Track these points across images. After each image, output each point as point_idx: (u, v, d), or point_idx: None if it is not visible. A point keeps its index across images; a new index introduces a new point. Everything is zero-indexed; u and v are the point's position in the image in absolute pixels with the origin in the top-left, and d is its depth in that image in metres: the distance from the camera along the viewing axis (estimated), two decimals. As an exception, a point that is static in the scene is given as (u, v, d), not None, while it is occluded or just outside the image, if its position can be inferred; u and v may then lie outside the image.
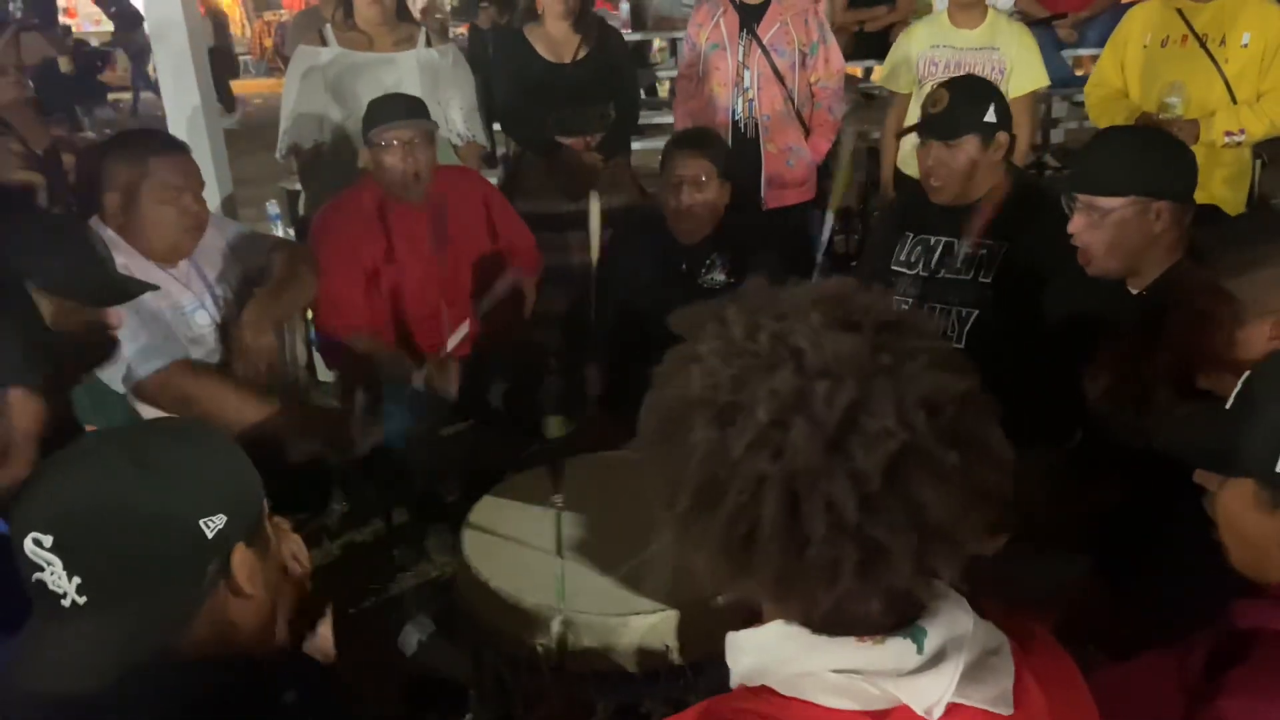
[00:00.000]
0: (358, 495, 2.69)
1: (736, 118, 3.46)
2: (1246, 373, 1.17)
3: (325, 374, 3.02)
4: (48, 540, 0.89)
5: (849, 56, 5.66)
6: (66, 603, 0.90)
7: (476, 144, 3.35)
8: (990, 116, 2.31)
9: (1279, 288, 1.44)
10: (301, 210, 3.59)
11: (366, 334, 2.64)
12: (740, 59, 3.43)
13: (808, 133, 3.53)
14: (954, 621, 0.83)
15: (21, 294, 1.40)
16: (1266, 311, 1.44)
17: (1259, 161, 3.27)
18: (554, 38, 3.38)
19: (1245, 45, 3.03)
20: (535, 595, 1.70)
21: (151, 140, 2.24)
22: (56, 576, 0.90)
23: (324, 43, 3.17)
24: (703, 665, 1.65)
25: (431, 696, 2.02)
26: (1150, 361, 1.58)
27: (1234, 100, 3.05)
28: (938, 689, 0.80)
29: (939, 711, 0.79)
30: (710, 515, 0.77)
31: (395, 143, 2.60)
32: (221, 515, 0.95)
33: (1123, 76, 3.28)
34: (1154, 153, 1.92)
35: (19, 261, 1.57)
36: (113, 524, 0.90)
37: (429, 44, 3.23)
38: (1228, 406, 1.16)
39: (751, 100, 3.45)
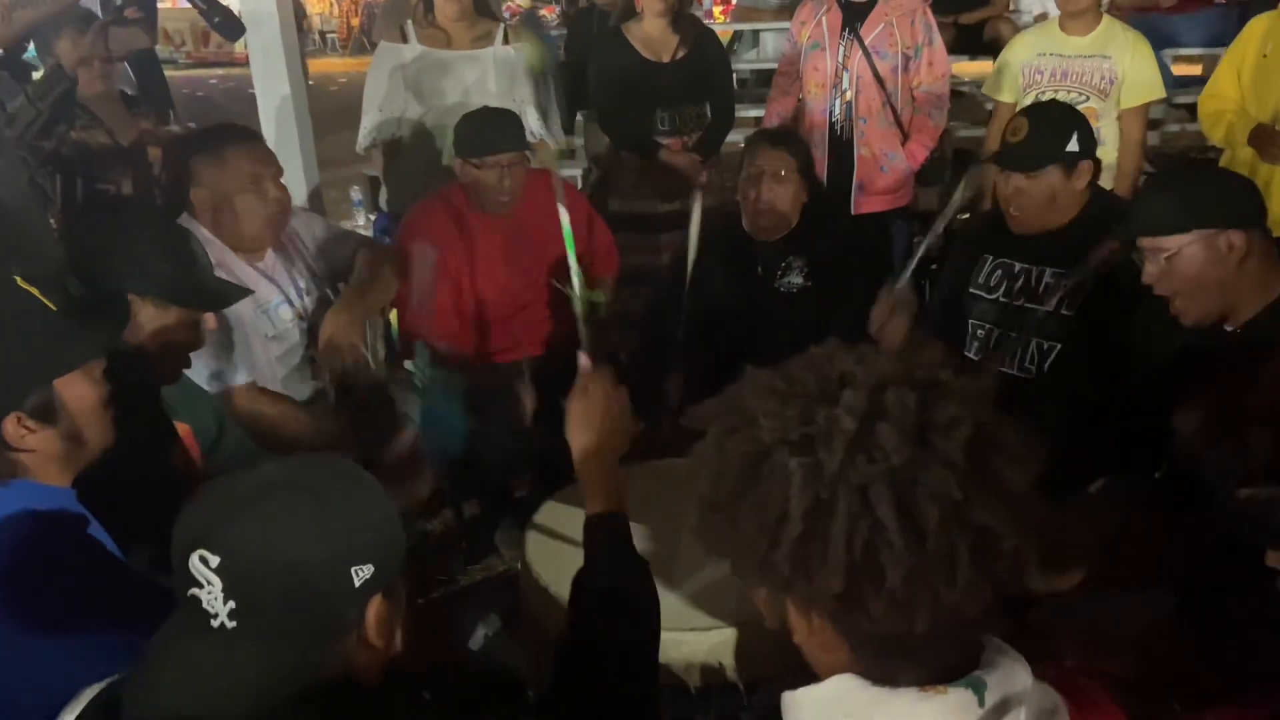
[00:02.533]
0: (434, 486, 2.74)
1: (833, 119, 3.38)
2: None
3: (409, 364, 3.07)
4: (214, 560, 0.92)
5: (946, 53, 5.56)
6: (216, 624, 0.92)
7: (553, 143, 3.37)
8: (1073, 146, 2.21)
9: None
10: (383, 204, 3.65)
11: (446, 343, 2.68)
12: (840, 60, 3.35)
13: (905, 138, 3.42)
14: (1012, 676, 0.83)
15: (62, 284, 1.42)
16: None
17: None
18: (652, 36, 3.37)
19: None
20: None
21: (225, 133, 2.30)
22: (213, 597, 0.92)
23: (405, 39, 3.21)
24: (757, 685, 1.65)
25: (494, 692, 2.07)
26: (1246, 403, 1.51)
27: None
28: None
29: None
30: (825, 534, 0.79)
31: (493, 165, 2.62)
32: (370, 565, 0.96)
33: (1239, 88, 3.13)
34: (1206, 184, 1.84)
35: (121, 265, 1.62)
36: (279, 560, 0.92)
37: (506, 41, 3.25)
38: None
39: (849, 102, 3.36)
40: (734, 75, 3.83)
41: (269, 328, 2.32)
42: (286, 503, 0.95)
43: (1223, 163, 3.23)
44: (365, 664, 0.99)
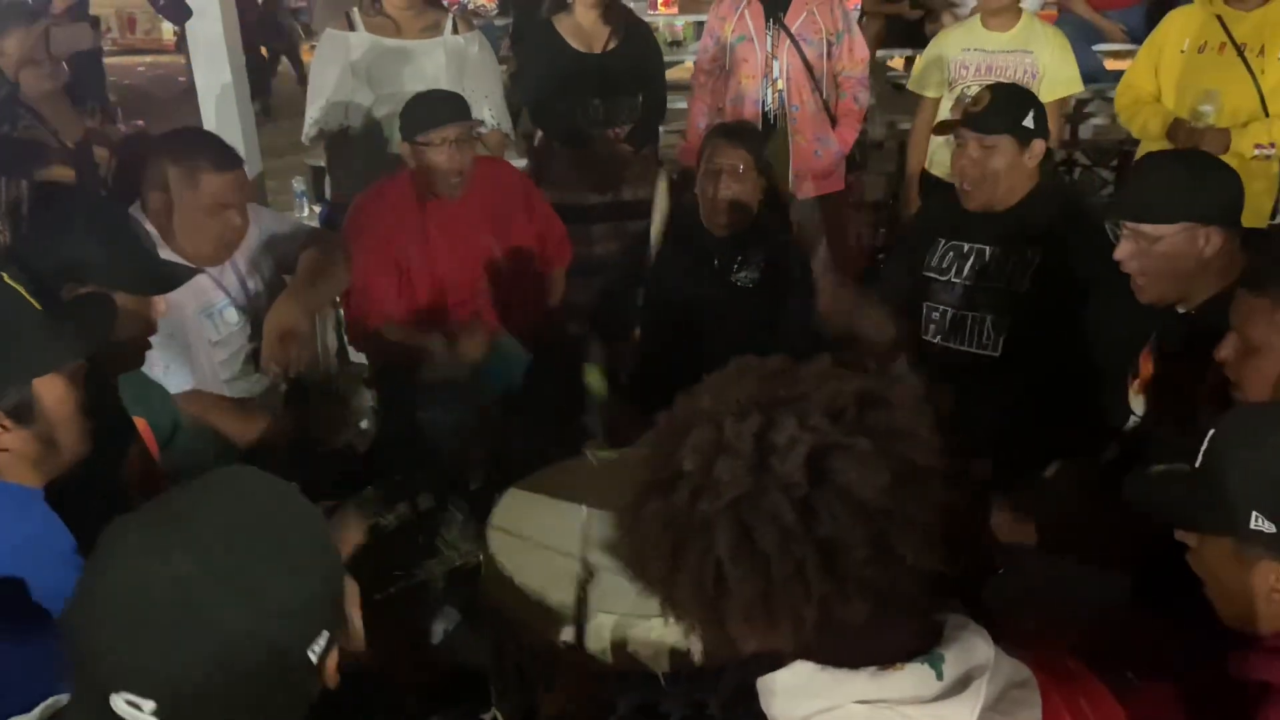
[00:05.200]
0: (385, 480, 2.72)
1: (766, 109, 3.44)
2: (1210, 432, 1.19)
3: (358, 356, 3.04)
4: (148, 705, 0.79)
5: (880, 45, 5.66)
6: None
7: (502, 132, 3.34)
8: (1028, 122, 2.31)
9: None
10: (328, 194, 3.60)
11: (397, 323, 2.66)
12: (769, 49, 3.41)
13: (834, 123, 3.50)
14: (972, 649, 0.86)
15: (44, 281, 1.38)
16: None
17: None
18: (583, 28, 3.37)
19: (1282, 58, 2.99)
20: (559, 591, 1.72)
21: (208, 149, 2.21)
22: None
23: (351, 27, 3.16)
24: (723, 668, 1.67)
25: (455, 686, 2.06)
26: (1197, 383, 1.57)
27: (1267, 113, 3.01)
28: (960, 716, 0.83)
29: None
30: (682, 574, 0.84)
31: (440, 142, 2.60)
32: (325, 633, 0.87)
33: (1156, 81, 3.24)
34: (1204, 178, 1.88)
35: (61, 251, 1.57)
36: (223, 680, 0.80)
37: (455, 30, 3.22)
38: (1197, 466, 1.18)
39: (781, 91, 3.42)
40: (665, 66, 3.82)
41: (213, 332, 2.28)
42: (221, 605, 0.81)
43: (1140, 153, 3.32)
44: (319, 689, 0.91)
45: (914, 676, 0.83)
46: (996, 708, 0.84)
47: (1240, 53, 3.04)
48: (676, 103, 4.03)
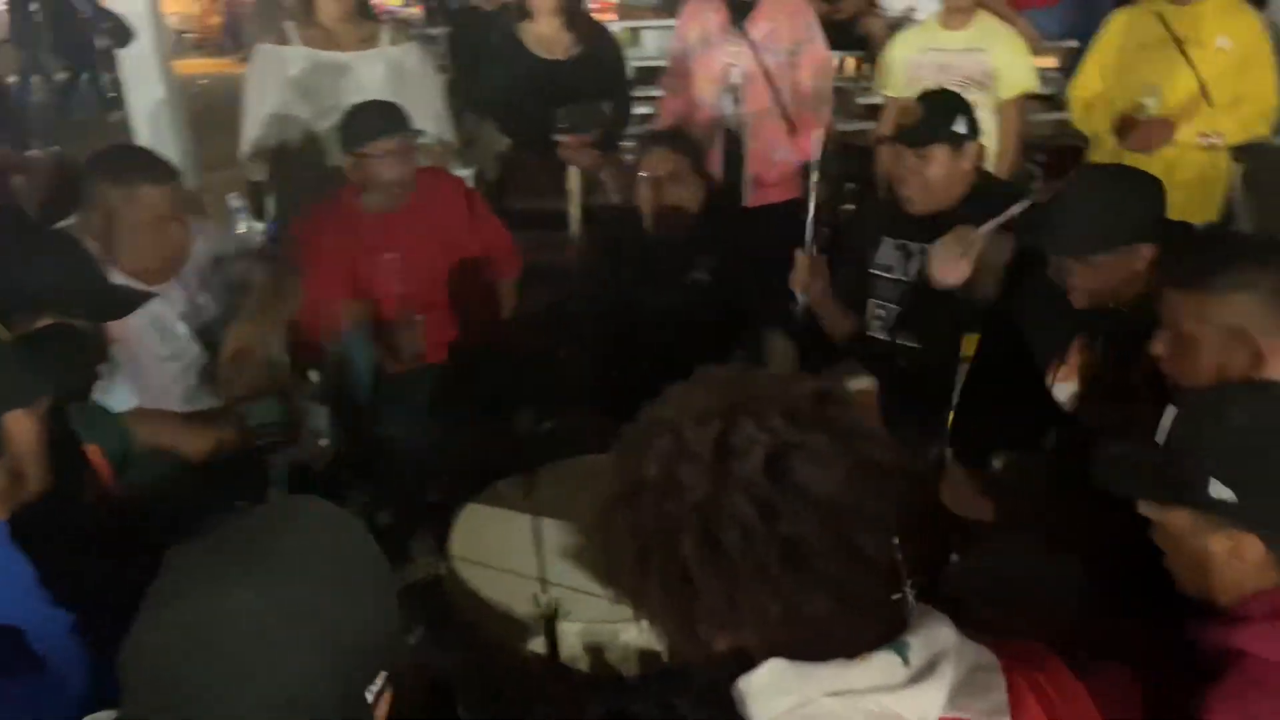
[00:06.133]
0: (342, 496, 2.69)
1: (724, 114, 3.44)
2: (1172, 410, 1.25)
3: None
4: None
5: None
6: None
7: (444, 142, 3.33)
8: (959, 127, 2.37)
9: (1263, 313, 1.48)
10: (272, 211, 3.55)
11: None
12: (730, 57, 3.41)
13: (793, 131, 3.52)
14: (936, 635, 0.89)
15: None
16: (1247, 337, 1.48)
17: (1237, 166, 3.34)
18: (546, 35, 3.36)
19: (1222, 48, 3.09)
20: (525, 603, 1.72)
21: (143, 163, 2.19)
22: None
23: (285, 41, 3.12)
24: (693, 669, 1.69)
25: (422, 699, 2.05)
26: (1130, 373, 1.63)
27: (1209, 103, 3.12)
28: (929, 699, 0.85)
29: (933, 718, 0.85)
30: (650, 579, 0.86)
31: (380, 153, 2.59)
32: (382, 673, 0.87)
33: (1102, 80, 3.35)
34: (1130, 200, 1.91)
35: (16, 280, 1.54)
36: (288, 714, 0.81)
37: (392, 42, 3.19)
38: (1159, 440, 1.23)
39: (739, 98, 3.43)
40: (629, 72, 3.83)
41: (163, 348, 2.24)
42: (289, 641, 0.81)
43: (1091, 151, 3.45)
44: None
45: (881, 665, 0.86)
46: (964, 690, 0.87)
47: (1180, 46, 3.14)
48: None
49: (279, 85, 3.08)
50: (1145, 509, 1.26)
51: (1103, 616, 1.44)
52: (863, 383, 1.80)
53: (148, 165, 2.18)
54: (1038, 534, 1.67)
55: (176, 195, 2.19)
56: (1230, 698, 1.11)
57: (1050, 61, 5.21)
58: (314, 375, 2.70)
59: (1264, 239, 1.94)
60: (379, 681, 0.87)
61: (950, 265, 2.16)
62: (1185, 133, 3.10)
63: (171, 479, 1.96)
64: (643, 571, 0.87)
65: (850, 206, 4.28)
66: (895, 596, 0.90)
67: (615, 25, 7.20)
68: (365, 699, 0.85)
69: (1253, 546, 1.16)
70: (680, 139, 2.90)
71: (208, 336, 2.29)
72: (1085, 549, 1.51)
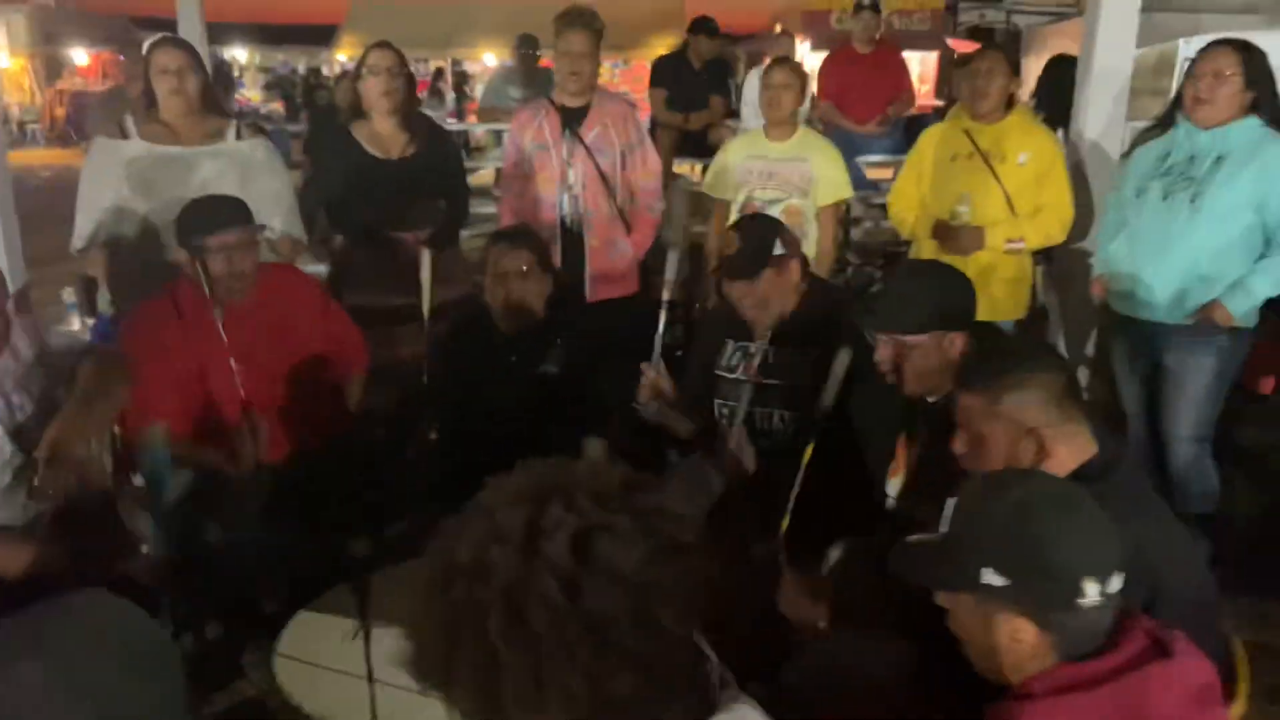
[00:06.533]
0: (173, 605, 2.53)
1: (563, 214, 3.56)
2: (950, 501, 1.33)
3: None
4: None
5: (675, 155, 5.98)
6: None
7: (293, 238, 3.28)
8: (778, 249, 2.50)
9: (1042, 409, 1.61)
10: (105, 307, 3.40)
11: (180, 438, 2.52)
12: (565, 158, 3.54)
13: (628, 229, 3.66)
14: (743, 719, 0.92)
15: None
16: (1031, 432, 1.61)
17: (1039, 268, 3.63)
18: (380, 134, 3.39)
19: (1022, 163, 3.40)
20: (350, 715, 1.67)
21: None
22: None
23: (125, 134, 3.04)
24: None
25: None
26: (948, 464, 1.72)
27: (1014, 212, 3.40)
28: None
29: None
30: (459, 663, 0.87)
31: (218, 248, 2.53)
32: None
33: (920, 189, 3.61)
34: (947, 292, 2.12)
35: None
36: None
37: (239, 136, 3.16)
38: (943, 530, 1.31)
39: (577, 197, 3.55)
40: (465, 171, 3.90)
41: None
42: (68, 712, 0.86)
43: (912, 253, 3.73)
44: None
45: None
46: None
47: (986, 160, 3.43)
48: (481, 207, 4.09)
49: (116, 178, 3.00)
50: (937, 597, 1.32)
51: (932, 702, 1.47)
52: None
53: None
54: (871, 626, 1.71)
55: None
56: None
57: (886, 174, 5.59)
58: (138, 479, 2.57)
59: (1038, 343, 2.13)
60: None
61: (747, 455, 2.34)
62: (994, 238, 3.38)
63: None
64: (451, 657, 0.88)
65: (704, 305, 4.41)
66: (701, 675, 0.91)
67: (479, 129, 7.36)
68: None
69: (1027, 629, 1.23)
70: (527, 236, 2.97)
71: (24, 442, 2.15)
72: (914, 638, 1.55)
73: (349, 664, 1.80)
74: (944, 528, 1.32)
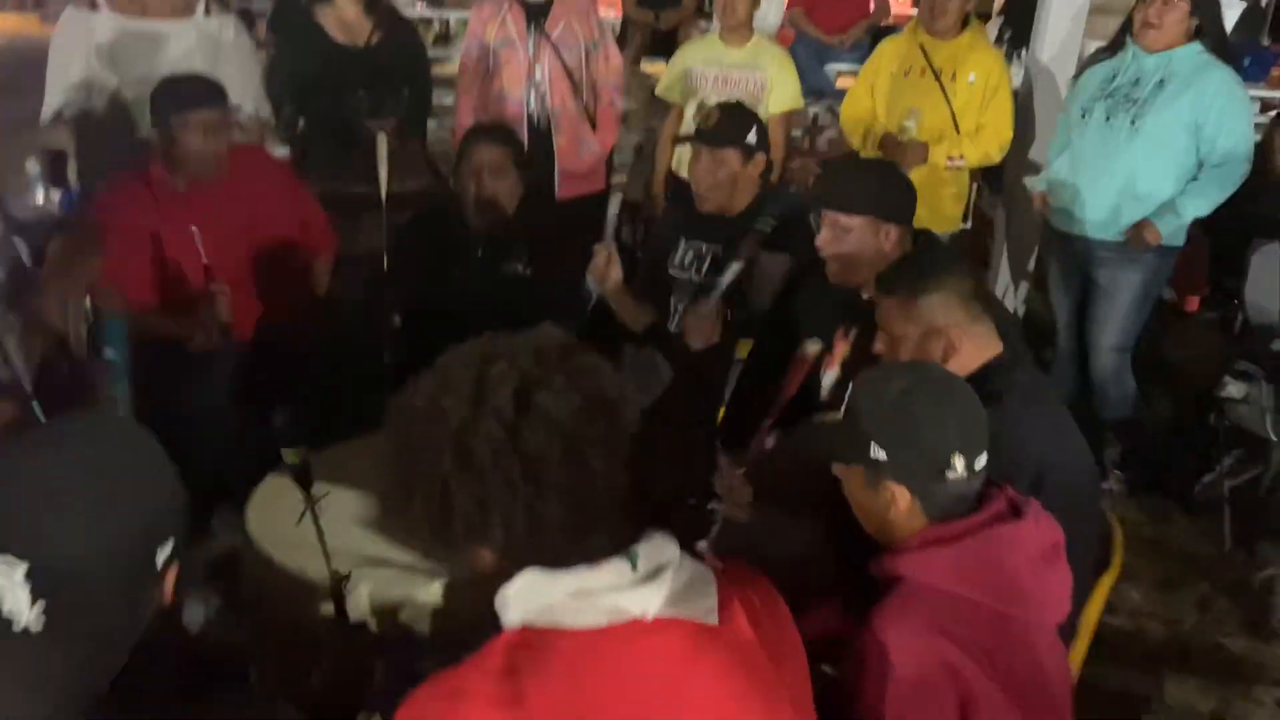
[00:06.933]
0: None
1: (530, 110, 3.58)
2: (851, 385, 1.51)
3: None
4: (20, 568, 0.88)
5: (645, 54, 5.95)
6: (18, 629, 0.89)
7: (260, 120, 3.31)
8: (750, 139, 2.61)
9: (950, 310, 1.78)
10: (72, 178, 3.42)
11: (151, 311, 2.61)
12: (531, 54, 3.55)
13: (594, 126, 3.70)
14: (662, 548, 1.08)
15: None
16: (935, 329, 1.78)
17: (975, 184, 3.76)
18: (346, 20, 3.39)
19: (971, 83, 3.48)
20: (319, 568, 1.78)
21: None
22: (17, 604, 0.88)
23: (94, 7, 3.03)
24: (478, 627, 1.80)
25: (216, 672, 2.08)
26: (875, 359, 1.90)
27: (958, 130, 3.50)
28: (653, 597, 1.04)
29: (653, 613, 1.04)
30: (414, 495, 1.03)
31: (192, 125, 2.57)
32: (170, 541, 0.99)
33: (872, 99, 3.68)
34: (887, 183, 2.27)
35: None
36: (89, 561, 0.92)
37: (208, 13, 3.15)
38: (843, 412, 1.49)
39: (544, 95, 3.58)
40: (429, 61, 3.91)
41: None
42: (88, 493, 0.93)
43: None
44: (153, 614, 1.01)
45: (613, 570, 1.04)
46: (681, 596, 1.06)
47: (937, 77, 3.52)
48: (446, 98, 4.12)
49: (85, 52, 3.00)
50: (836, 470, 1.51)
51: (836, 568, 1.66)
52: (812, 348, 2.01)
53: None
54: (789, 505, 1.89)
55: None
56: (891, 610, 1.36)
57: (850, 83, 5.64)
58: (110, 353, 2.66)
59: (949, 249, 2.28)
60: (167, 548, 0.98)
61: (703, 330, 2.49)
62: (937, 155, 3.47)
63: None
64: (409, 490, 1.04)
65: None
66: (628, 514, 1.07)
67: (451, 15, 7.23)
68: (155, 561, 0.97)
69: (903, 494, 1.42)
70: (505, 133, 2.99)
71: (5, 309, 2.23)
72: (823, 514, 1.73)
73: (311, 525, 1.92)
74: (844, 409, 1.50)
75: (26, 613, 0.89)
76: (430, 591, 1.78)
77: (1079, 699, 1.58)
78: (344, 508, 1.95)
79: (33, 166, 4.21)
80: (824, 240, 2.20)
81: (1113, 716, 2.44)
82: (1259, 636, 2.78)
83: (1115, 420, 3.31)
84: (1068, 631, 1.66)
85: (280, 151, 3.79)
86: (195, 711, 1.04)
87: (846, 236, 2.17)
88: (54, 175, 3.97)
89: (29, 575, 0.89)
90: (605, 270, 2.62)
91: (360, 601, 1.76)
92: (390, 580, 1.77)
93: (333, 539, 1.84)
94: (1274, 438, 2.87)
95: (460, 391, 1.02)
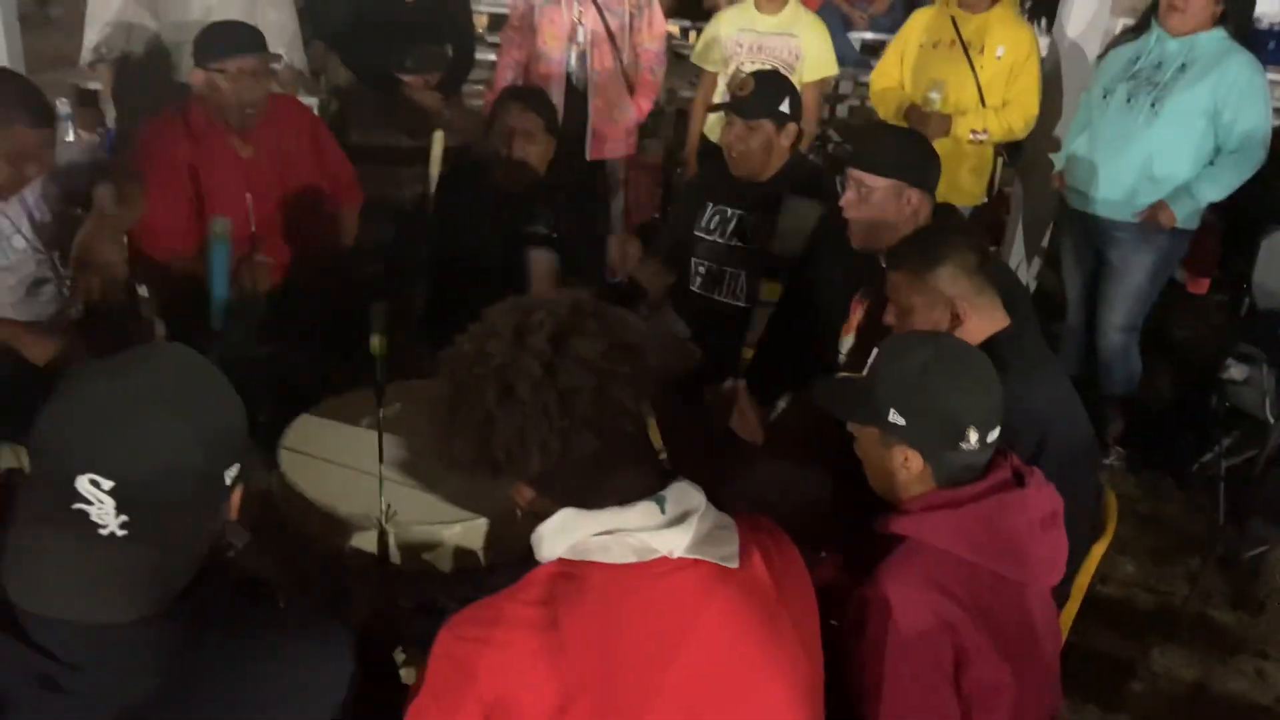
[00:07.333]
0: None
1: (570, 70, 3.62)
2: (875, 350, 1.59)
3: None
4: (107, 484, 0.97)
5: (671, 16, 5.94)
6: (105, 533, 0.98)
7: (295, 69, 3.36)
8: (784, 108, 2.65)
9: (956, 283, 1.86)
10: (111, 123, 3.48)
11: (185, 254, 2.69)
12: (575, 15, 3.58)
13: (631, 91, 3.74)
14: (688, 495, 1.18)
15: None
16: (942, 299, 1.86)
17: (1000, 159, 3.79)
18: None
19: (999, 57, 3.51)
20: (351, 504, 1.86)
21: (24, 102, 2.15)
22: (105, 513, 0.97)
23: None
24: (500, 567, 1.89)
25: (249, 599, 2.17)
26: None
27: (983, 103, 3.53)
28: (679, 538, 1.14)
29: (679, 553, 1.14)
30: (460, 424, 1.13)
31: (234, 72, 2.63)
32: (236, 465, 1.07)
33: (901, 70, 3.72)
34: (914, 149, 2.32)
35: None
36: (167, 478, 1.00)
37: None
38: (864, 374, 1.57)
39: (584, 54, 3.61)
40: (472, 18, 3.95)
41: (1, 259, 2.26)
42: (165, 415, 1.00)
43: None
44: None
45: (643, 511, 1.14)
46: (706, 541, 1.16)
47: (965, 49, 3.54)
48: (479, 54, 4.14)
49: (122, -7, 3.06)
50: (850, 427, 1.59)
51: (841, 518, 1.74)
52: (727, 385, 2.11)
53: (30, 105, 2.16)
54: (800, 456, 1.98)
55: (48, 141, 2.20)
56: (895, 566, 1.45)
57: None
58: (143, 290, 2.73)
59: (956, 224, 2.35)
60: (234, 470, 1.07)
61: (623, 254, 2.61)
62: (960, 127, 3.51)
63: (12, 380, 2.02)
64: (456, 419, 1.14)
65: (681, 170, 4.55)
66: (658, 456, 1.19)
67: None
68: (224, 479, 1.06)
69: (915, 459, 1.51)
70: (538, 98, 3.01)
71: (47, 247, 2.32)
72: (836, 466, 1.81)
73: (349, 459, 2.00)
74: (866, 372, 1.57)
75: (112, 521, 0.98)
76: (452, 532, 1.87)
77: (1068, 661, 1.67)
78: (373, 449, 2.04)
79: (63, 107, 4.28)
80: (848, 201, 2.27)
81: (1099, 679, 2.55)
82: (1245, 610, 2.88)
83: (1119, 397, 3.38)
84: (1060, 595, 1.75)
85: (309, 101, 3.85)
86: (263, 612, 1.12)
87: (870, 197, 2.23)
88: (83, 116, 4.03)
89: (113, 492, 0.97)
90: (621, 256, 2.71)
91: (394, 541, 1.85)
92: (419, 519, 1.86)
93: (360, 479, 1.94)
94: (1272, 420, 2.93)
95: (503, 336, 1.13)
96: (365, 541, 1.85)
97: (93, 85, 3.67)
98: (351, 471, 1.98)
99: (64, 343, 2.20)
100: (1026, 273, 4.16)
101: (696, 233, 2.85)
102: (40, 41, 4.04)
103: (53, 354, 2.16)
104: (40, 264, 2.33)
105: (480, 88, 4.29)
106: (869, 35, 5.68)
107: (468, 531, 1.88)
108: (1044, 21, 3.97)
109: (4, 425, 2.11)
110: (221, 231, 2.47)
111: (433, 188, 2.91)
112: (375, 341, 1.85)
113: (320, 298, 2.89)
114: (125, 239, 2.41)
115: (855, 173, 2.25)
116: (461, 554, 1.89)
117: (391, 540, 1.83)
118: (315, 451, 2.06)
